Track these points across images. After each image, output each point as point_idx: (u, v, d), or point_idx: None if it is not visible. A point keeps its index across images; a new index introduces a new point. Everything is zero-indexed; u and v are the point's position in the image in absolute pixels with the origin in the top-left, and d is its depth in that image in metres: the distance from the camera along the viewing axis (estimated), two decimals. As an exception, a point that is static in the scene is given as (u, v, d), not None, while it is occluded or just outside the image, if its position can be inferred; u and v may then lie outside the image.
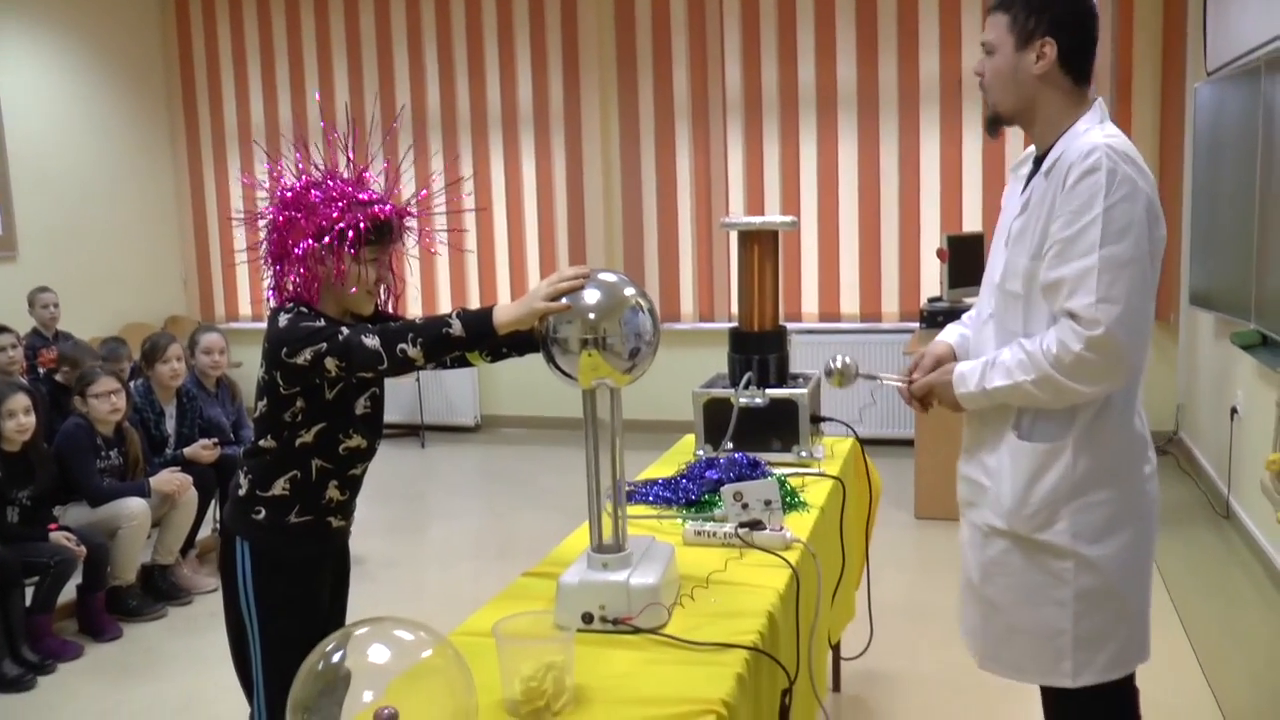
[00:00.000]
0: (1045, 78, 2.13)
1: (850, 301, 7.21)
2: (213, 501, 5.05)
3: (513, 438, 7.96)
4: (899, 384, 2.43)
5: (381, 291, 2.39)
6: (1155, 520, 2.26)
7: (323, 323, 2.22)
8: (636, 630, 1.89)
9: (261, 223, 2.35)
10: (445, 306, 7.96)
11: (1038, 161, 2.21)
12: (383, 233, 2.29)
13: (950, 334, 2.51)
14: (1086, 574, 2.16)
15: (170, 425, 5.04)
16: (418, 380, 7.67)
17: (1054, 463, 2.15)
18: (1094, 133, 2.07)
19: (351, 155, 2.36)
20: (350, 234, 2.23)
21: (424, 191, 2.48)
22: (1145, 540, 2.23)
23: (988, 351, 2.27)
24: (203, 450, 4.96)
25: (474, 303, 7.82)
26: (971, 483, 2.34)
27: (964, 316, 2.55)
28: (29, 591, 4.13)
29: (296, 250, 2.25)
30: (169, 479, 4.67)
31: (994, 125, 2.25)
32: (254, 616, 2.37)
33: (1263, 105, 4.50)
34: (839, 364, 2.47)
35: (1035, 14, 2.12)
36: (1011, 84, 2.16)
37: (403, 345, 2.11)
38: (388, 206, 2.30)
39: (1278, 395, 4.40)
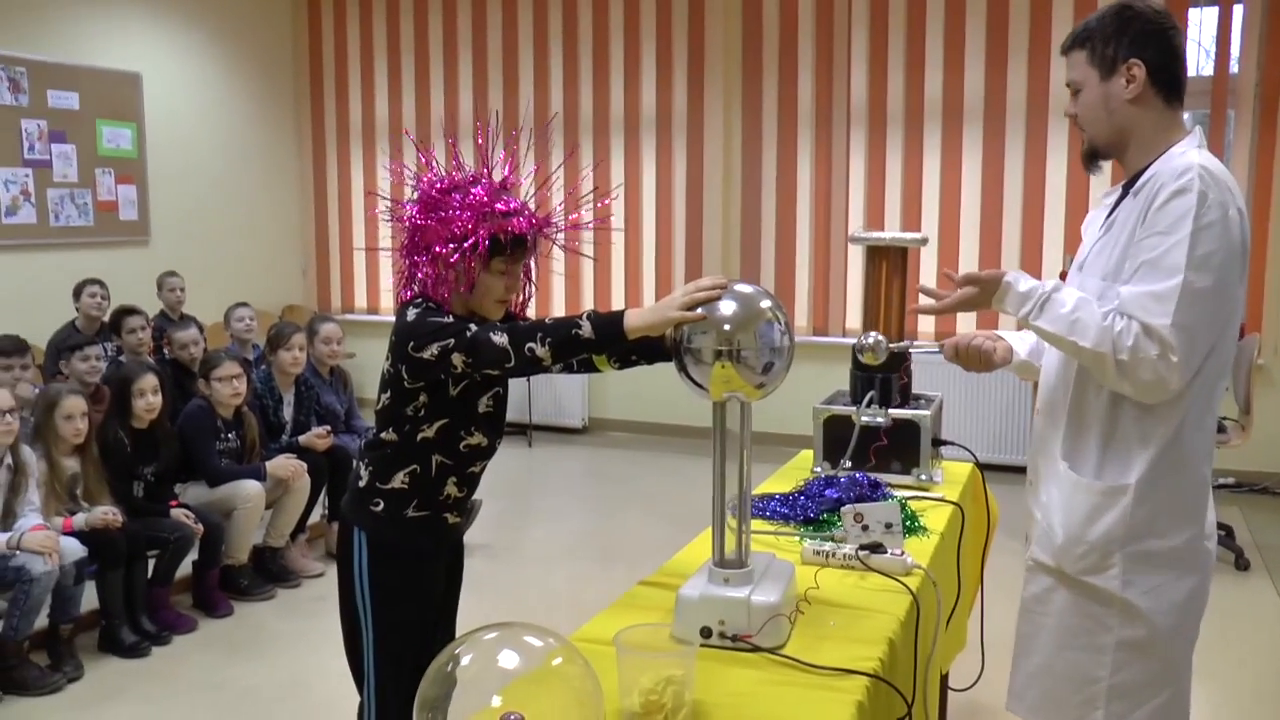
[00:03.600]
0: (1138, 100, 2.06)
1: (968, 320, 7.05)
2: (323, 488, 5.15)
3: (619, 441, 7.97)
4: (938, 348, 2.43)
5: (511, 298, 2.39)
6: (1211, 575, 2.14)
7: (451, 319, 2.23)
8: (755, 649, 1.85)
9: (387, 214, 2.37)
10: (559, 310, 8.01)
11: (1127, 186, 2.13)
12: (517, 245, 2.28)
13: (1010, 333, 2.46)
14: (1132, 625, 2.06)
15: (288, 412, 5.15)
16: (528, 380, 7.73)
17: (1114, 503, 2.05)
18: (1191, 154, 2.00)
19: (498, 161, 2.35)
20: (481, 247, 2.23)
21: (575, 214, 2.46)
22: (1200, 596, 2.12)
23: (1053, 371, 2.21)
24: (317, 439, 5.06)
25: (588, 306, 7.86)
26: (1028, 515, 2.28)
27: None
28: (150, 564, 4.27)
29: (428, 252, 2.26)
30: (285, 464, 4.77)
31: (1091, 160, 2.19)
32: (368, 606, 2.39)
33: None
34: (870, 340, 2.55)
35: (1113, 40, 2.06)
36: (1104, 114, 2.09)
37: (531, 344, 2.10)
38: (524, 219, 2.29)
39: None
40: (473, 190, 2.28)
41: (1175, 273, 1.90)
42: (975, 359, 2.36)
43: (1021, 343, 2.43)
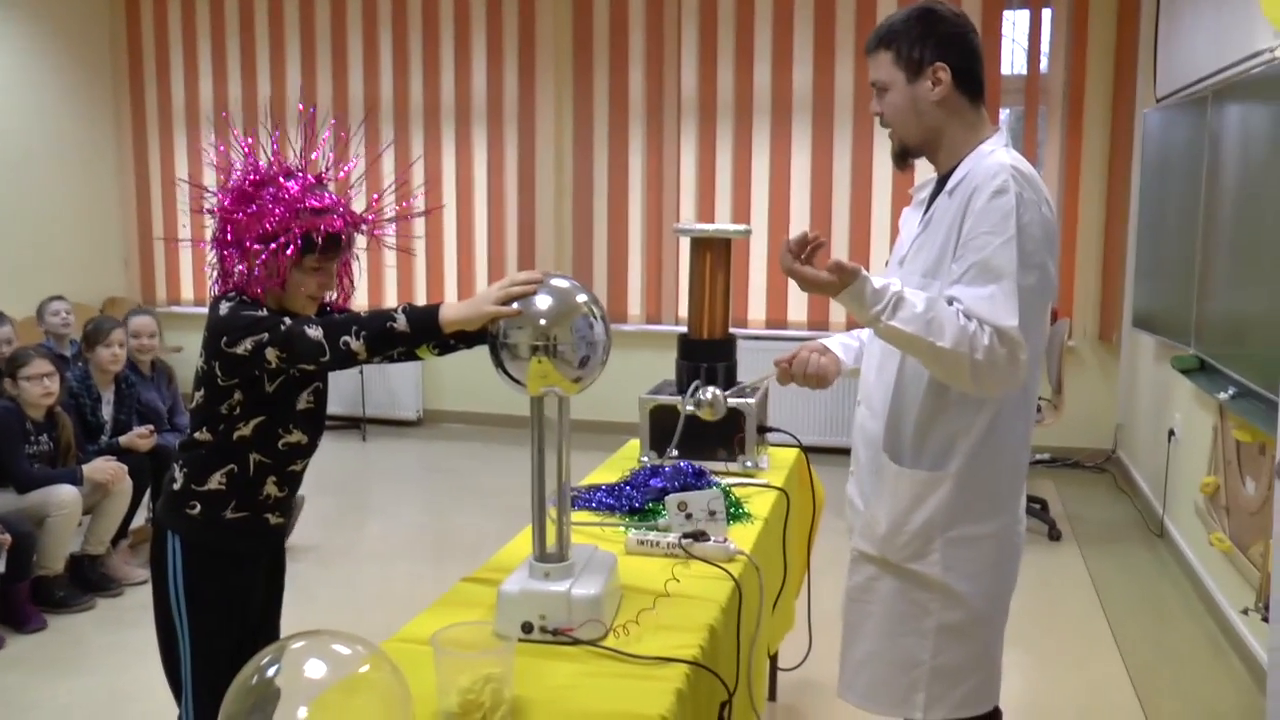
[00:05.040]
0: (944, 102, 2.11)
1: (798, 309, 7.23)
2: (146, 490, 4.94)
3: (454, 433, 7.89)
4: (771, 377, 2.50)
5: (325, 295, 2.33)
6: (1020, 558, 2.26)
7: (265, 313, 2.17)
8: (576, 642, 1.86)
9: (209, 206, 2.29)
10: (391, 301, 7.87)
11: (941, 182, 2.19)
12: (330, 244, 2.24)
13: (832, 341, 2.52)
14: (952, 608, 2.17)
15: (107, 411, 4.93)
16: (361, 372, 7.56)
17: (934, 491, 2.13)
18: (1000, 154, 2.07)
19: (312, 158, 2.29)
20: (291, 247, 2.17)
21: (399, 206, 2.40)
22: (1011, 578, 2.24)
23: (874, 364, 2.27)
24: (138, 439, 4.86)
25: (420, 297, 7.75)
26: (850, 504, 2.35)
27: (852, 331, 2.58)
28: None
29: (240, 246, 2.20)
30: (103, 467, 4.56)
31: (902, 159, 2.22)
32: (184, 614, 2.31)
33: (1208, 134, 4.57)
34: (708, 396, 2.57)
35: (918, 43, 2.10)
36: (913, 116, 2.14)
37: (346, 338, 2.07)
38: (338, 218, 2.24)
39: (1214, 420, 4.47)
40: (286, 185, 2.22)
41: (1010, 274, 1.94)
42: (812, 380, 2.42)
43: (845, 351, 2.49)
